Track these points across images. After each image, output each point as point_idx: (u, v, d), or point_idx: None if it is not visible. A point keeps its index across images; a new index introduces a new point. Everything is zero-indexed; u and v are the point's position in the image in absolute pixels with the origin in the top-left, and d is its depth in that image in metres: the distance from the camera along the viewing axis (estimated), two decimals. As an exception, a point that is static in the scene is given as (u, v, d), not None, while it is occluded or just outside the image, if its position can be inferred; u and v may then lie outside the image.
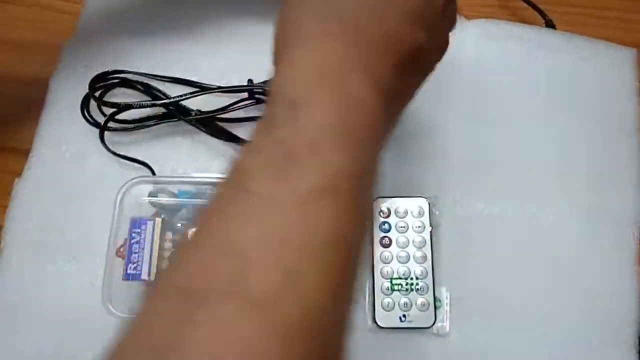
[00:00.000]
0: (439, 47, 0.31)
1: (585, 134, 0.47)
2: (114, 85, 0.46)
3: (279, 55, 0.26)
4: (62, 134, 0.47)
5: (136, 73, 0.47)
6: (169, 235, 0.40)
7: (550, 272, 0.42)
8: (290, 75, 0.24)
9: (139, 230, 0.40)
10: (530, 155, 0.45)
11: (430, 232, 0.42)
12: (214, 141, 0.45)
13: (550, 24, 0.53)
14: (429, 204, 0.43)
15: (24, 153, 0.47)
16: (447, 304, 0.41)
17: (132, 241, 0.39)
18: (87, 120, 0.45)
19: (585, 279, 0.42)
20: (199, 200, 0.41)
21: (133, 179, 0.41)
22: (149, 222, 0.40)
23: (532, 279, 0.42)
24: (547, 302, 0.42)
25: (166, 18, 0.51)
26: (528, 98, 0.47)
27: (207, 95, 0.45)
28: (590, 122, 0.47)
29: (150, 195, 0.41)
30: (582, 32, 0.53)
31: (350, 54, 0.25)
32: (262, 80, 0.46)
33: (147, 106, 0.44)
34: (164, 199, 0.41)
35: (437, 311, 0.41)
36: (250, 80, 0.46)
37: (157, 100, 0.44)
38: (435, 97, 0.48)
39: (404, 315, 0.40)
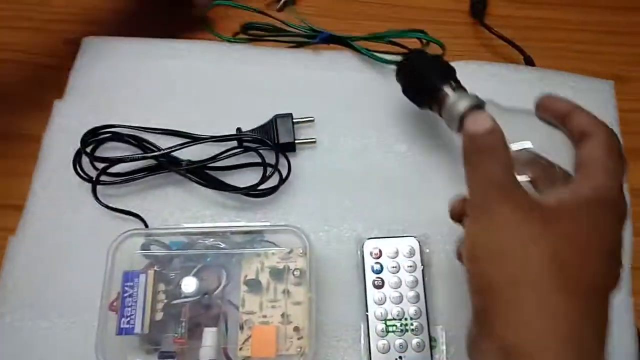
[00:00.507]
0: None
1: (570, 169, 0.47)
2: (105, 140, 0.47)
3: (492, 292, 0.28)
4: (56, 190, 0.47)
5: (127, 127, 0.48)
6: (162, 286, 0.41)
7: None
8: (522, 329, 0.27)
9: (132, 284, 0.40)
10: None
11: (422, 271, 0.42)
12: (205, 190, 0.46)
13: (529, 60, 0.54)
14: (419, 242, 0.43)
15: (18, 209, 0.48)
16: (443, 342, 0.41)
17: (125, 295, 0.39)
18: (80, 176, 0.46)
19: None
20: (191, 250, 0.42)
21: (125, 232, 0.41)
22: (141, 275, 0.40)
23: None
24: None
25: (155, 71, 0.52)
26: (513, 135, 0.48)
27: (197, 145, 0.46)
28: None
29: (143, 247, 0.42)
30: (560, 66, 0.55)
31: (575, 307, 0.27)
32: (250, 129, 0.47)
33: (138, 159, 0.44)
34: (156, 251, 0.42)
35: (433, 351, 0.40)
36: (239, 129, 0.47)
37: (148, 152, 0.45)
38: (422, 138, 0.49)
39: (400, 357, 0.40)
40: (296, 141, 0.47)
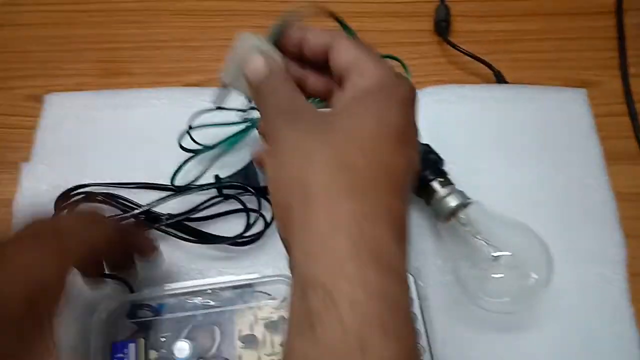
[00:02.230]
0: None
1: (553, 183, 0.48)
2: (78, 202, 0.45)
3: (291, 220, 0.26)
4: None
5: (100, 184, 0.46)
6: (154, 354, 0.39)
7: (548, 325, 0.43)
8: (312, 254, 0.25)
9: (122, 355, 0.38)
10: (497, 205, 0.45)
11: (420, 306, 0.42)
12: (189, 244, 0.44)
13: (499, 75, 0.54)
14: (413, 277, 0.43)
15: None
16: (448, 377, 0.41)
17: None
18: (56, 243, 0.44)
19: (583, 329, 0.43)
20: (180, 313, 0.40)
21: (108, 300, 0.40)
22: (130, 345, 0.38)
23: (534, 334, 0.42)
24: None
25: (124, 122, 0.50)
26: (490, 154, 0.49)
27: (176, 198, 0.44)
28: (556, 169, 0.48)
29: (130, 314, 0.40)
30: (529, 76, 0.56)
31: (366, 207, 0.25)
32: (228, 175, 0.46)
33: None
34: (144, 318, 0.40)
35: (439, 386, 0.40)
36: (217, 177, 0.46)
37: (126, 211, 0.43)
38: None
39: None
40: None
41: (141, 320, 0.40)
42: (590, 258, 0.45)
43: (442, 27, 0.58)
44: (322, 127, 0.28)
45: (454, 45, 0.56)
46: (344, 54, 0.30)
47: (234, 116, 0.48)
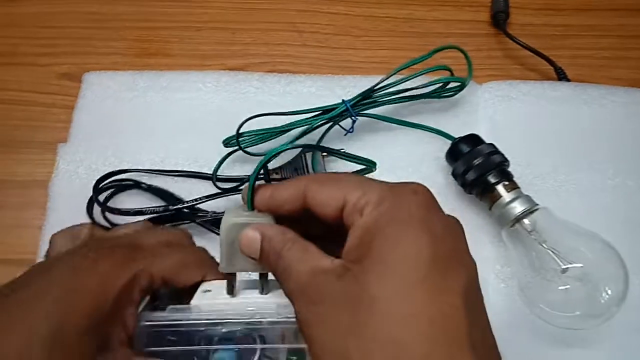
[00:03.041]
0: None
1: (626, 190, 0.45)
2: (119, 188, 0.42)
3: None
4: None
5: (141, 171, 0.44)
6: None
7: (618, 343, 0.40)
8: None
9: None
10: (561, 212, 0.42)
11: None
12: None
13: (561, 72, 0.51)
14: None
15: (25, 263, 0.43)
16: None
17: None
18: (94, 229, 0.41)
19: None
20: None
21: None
22: None
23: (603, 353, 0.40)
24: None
25: (166, 105, 0.48)
26: (555, 157, 0.46)
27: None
28: (629, 176, 0.45)
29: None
30: (591, 75, 0.53)
31: None
32: (275, 168, 0.44)
33: (160, 212, 0.40)
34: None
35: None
36: (265, 169, 0.43)
37: (169, 203, 0.41)
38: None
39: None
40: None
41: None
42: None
43: (501, 18, 0.54)
44: (351, 304, 0.23)
45: (513, 38, 0.53)
46: (321, 194, 0.27)
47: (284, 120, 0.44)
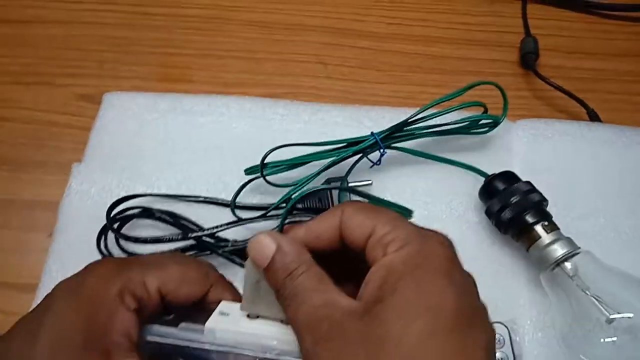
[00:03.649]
0: None
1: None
2: (133, 216, 0.40)
3: None
4: (74, 269, 0.40)
5: (155, 195, 0.41)
6: None
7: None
8: None
9: None
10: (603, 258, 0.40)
11: (516, 365, 0.36)
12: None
13: (593, 114, 0.50)
14: (508, 330, 0.37)
15: (28, 290, 0.41)
16: None
17: None
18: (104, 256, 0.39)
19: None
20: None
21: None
22: None
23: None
24: None
25: (186, 129, 0.46)
26: (595, 198, 0.43)
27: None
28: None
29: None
30: (624, 119, 0.51)
31: None
32: (298, 197, 0.41)
33: (178, 240, 0.38)
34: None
35: None
36: (289, 199, 0.41)
37: (187, 231, 0.38)
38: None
39: None
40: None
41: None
42: None
43: (530, 59, 0.53)
44: (371, 344, 0.22)
45: (543, 78, 0.51)
46: (354, 219, 0.26)
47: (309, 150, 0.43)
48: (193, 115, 0.46)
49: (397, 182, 0.44)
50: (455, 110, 0.43)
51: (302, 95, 0.52)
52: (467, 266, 0.40)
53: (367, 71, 0.54)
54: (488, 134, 0.45)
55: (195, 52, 0.55)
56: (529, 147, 0.45)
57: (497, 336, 0.37)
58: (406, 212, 0.37)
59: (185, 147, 0.45)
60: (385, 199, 0.40)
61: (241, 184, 0.41)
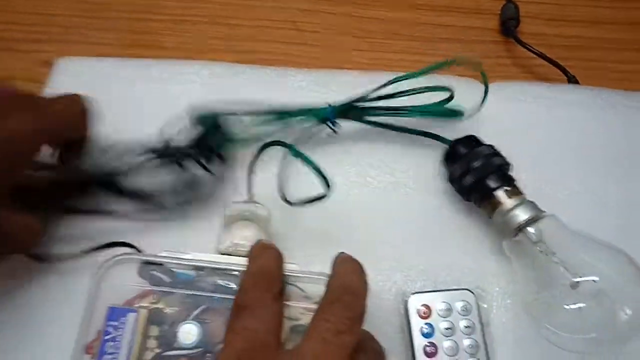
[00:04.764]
0: None
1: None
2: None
3: None
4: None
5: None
6: (155, 330, 0.32)
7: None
8: None
9: (117, 323, 0.31)
10: (573, 223, 0.38)
11: (483, 332, 0.35)
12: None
13: (573, 81, 0.48)
14: (475, 296, 0.36)
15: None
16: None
17: (107, 337, 0.31)
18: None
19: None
20: (195, 290, 0.33)
21: (116, 256, 0.33)
22: (130, 314, 0.32)
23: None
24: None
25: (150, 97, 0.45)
26: (567, 162, 0.42)
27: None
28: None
29: (140, 274, 0.33)
30: (604, 86, 0.49)
31: None
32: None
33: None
34: (152, 285, 0.33)
35: None
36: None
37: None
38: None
39: None
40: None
41: (147, 287, 0.33)
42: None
43: (511, 25, 0.52)
44: None
45: (524, 44, 0.50)
46: None
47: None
48: (158, 82, 0.45)
49: (362, 151, 0.43)
50: (420, 93, 0.40)
51: (275, 62, 0.50)
52: (433, 234, 0.40)
53: (344, 38, 0.53)
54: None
55: (167, 18, 0.53)
56: (500, 111, 0.44)
57: (463, 303, 0.36)
58: (327, 185, 0.35)
59: (144, 116, 0.43)
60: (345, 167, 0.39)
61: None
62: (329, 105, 0.41)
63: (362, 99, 0.41)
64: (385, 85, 0.41)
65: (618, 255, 0.33)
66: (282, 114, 0.41)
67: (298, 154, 0.35)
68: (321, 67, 0.49)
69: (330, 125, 0.41)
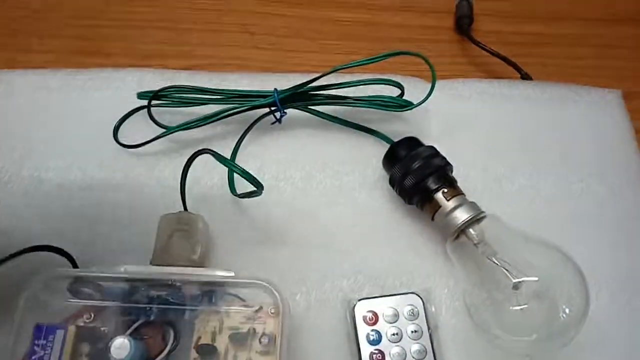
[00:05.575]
0: None
1: (590, 195, 0.40)
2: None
3: None
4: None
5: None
6: (86, 348, 0.30)
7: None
8: None
9: (45, 342, 0.30)
10: (522, 220, 0.36)
11: (430, 336, 0.34)
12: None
13: (527, 78, 0.48)
14: (422, 300, 0.35)
15: None
16: None
17: (34, 357, 0.29)
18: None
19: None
20: (130, 303, 0.32)
21: (46, 272, 0.32)
22: (58, 331, 0.30)
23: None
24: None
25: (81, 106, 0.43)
26: (513, 159, 0.41)
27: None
28: (595, 179, 0.41)
29: (71, 290, 0.32)
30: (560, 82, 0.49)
31: None
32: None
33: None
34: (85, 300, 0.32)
35: None
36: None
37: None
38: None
39: None
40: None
41: (81, 302, 0.31)
42: (633, 285, 0.37)
43: (465, 23, 0.51)
44: None
45: (477, 43, 0.49)
46: None
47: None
48: (87, 91, 0.43)
49: (306, 149, 0.42)
50: (367, 84, 0.40)
51: (226, 67, 0.49)
52: (379, 238, 0.38)
53: (296, 40, 0.52)
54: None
55: (113, 23, 0.51)
56: (446, 109, 0.43)
57: (410, 308, 0.34)
58: (258, 187, 0.34)
59: (77, 124, 0.42)
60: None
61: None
62: (275, 90, 0.40)
63: (308, 83, 0.40)
64: (328, 73, 0.40)
65: (556, 253, 0.32)
66: (228, 97, 0.41)
67: (224, 161, 0.34)
68: (273, 70, 0.48)
69: (276, 115, 0.40)
